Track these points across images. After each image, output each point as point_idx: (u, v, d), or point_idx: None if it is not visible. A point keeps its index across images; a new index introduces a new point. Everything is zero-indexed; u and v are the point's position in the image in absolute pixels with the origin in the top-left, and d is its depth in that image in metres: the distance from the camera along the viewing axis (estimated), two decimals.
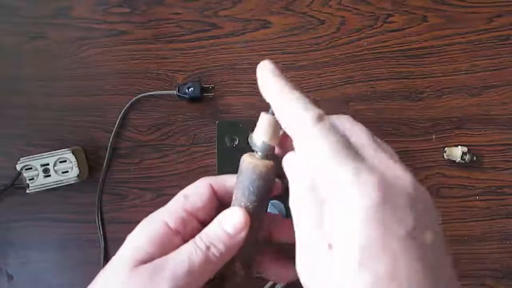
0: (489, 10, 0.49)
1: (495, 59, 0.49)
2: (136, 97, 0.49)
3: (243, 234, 0.23)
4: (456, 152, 0.48)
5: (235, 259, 0.25)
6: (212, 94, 0.49)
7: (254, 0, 0.50)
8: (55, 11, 0.50)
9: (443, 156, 0.49)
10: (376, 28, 0.50)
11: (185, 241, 0.23)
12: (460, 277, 0.49)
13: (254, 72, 0.53)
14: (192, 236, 0.23)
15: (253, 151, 0.24)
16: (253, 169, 0.23)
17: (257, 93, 0.54)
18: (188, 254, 0.22)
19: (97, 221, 0.49)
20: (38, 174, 0.47)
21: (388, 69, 0.50)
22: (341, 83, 0.50)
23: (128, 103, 0.49)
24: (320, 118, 0.20)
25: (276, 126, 0.24)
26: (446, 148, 0.49)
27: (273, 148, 0.24)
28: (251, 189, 0.24)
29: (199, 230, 0.24)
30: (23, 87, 0.50)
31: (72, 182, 0.47)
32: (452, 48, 0.49)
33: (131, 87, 0.50)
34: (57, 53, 0.50)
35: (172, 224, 0.23)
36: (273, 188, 0.25)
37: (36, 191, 0.47)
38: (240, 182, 0.24)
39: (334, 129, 0.20)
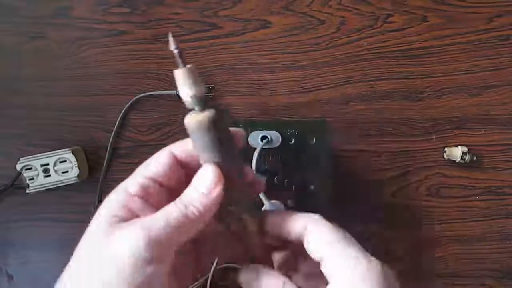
0: (489, 10, 0.49)
1: (495, 59, 0.49)
2: (136, 97, 0.49)
3: (218, 189, 0.24)
4: (456, 152, 0.48)
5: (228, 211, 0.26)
6: (212, 94, 0.49)
7: (254, 0, 0.50)
8: (55, 11, 0.50)
9: (443, 156, 0.49)
10: (376, 28, 0.50)
11: (154, 205, 0.24)
12: (460, 277, 0.49)
13: (254, 72, 0.53)
14: (160, 200, 0.25)
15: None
16: (199, 126, 0.23)
17: (257, 93, 0.54)
18: (165, 211, 0.23)
19: None
20: (38, 174, 0.47)
21: (388, 69, 0.50)
22: (341, 83, 0.50)
23: (128, 103, 0.49)
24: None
25: (194, 74, 0.24)
26: (446, 148, 0.49)
27: (203, 96, 0.24)
28: (209, 145, 0.24)
29: (167, 194, 0.25)
30: (23, 87, 0.50)
31: (72, 182, 0.47)
32: (452, 48, 0.49)
33: (131, 87, 0.50)
34: (57, 53, 0.50)
35: (131, 190, 0.24)
36: (232, 133, 0.25)
37: (36, 191, 0.47)
38: (196, 144, 0.24)
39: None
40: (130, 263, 0.21)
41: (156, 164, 0.25)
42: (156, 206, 0.24)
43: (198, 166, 0.25)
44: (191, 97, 0.24)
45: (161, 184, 0.25)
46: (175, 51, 0.24)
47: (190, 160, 0.26)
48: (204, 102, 0.24)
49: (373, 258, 0.24)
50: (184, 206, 0.23)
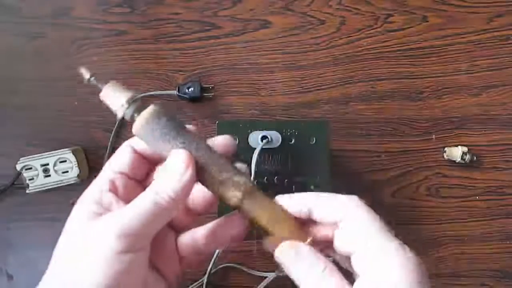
0: (489, 10, 0.49)
1: (495, 59, 0.49)
2: (136, 97, 0.49)
3: (189, 172, 0.23)
4: (456, 152, 0.48)
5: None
6: (212, 94, 0.49)
7: (254, 0, 0.50)
8: (55, 11, 0.50)
9: (443, 156, 0.49)
10: (376, 28, 0.50)
11: (126, 198, 0.24)
12: (460, 277, 0.49)
13: (254, 72, 0.53)
14: (132, 193, 0.25)
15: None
16: (147, 121, 0.24)
17: (257, 93, 0.54)
18: (135, 201, 0.23)
19: None
20: (38, 174, 0.47)
21: (388, 69, 0.50)
22: (341, 83, 0.50)
23: None
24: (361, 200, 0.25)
25: (117, 86, 0.25)
26: (446, 148, 0.49)
27: (137, 99, 0.25)
28: (165, 134, 0.24)
29: (139, 187, 0.26)
30: (23, 87, 0.50)
31: (72, 182, 0.47)
32: (452, 48, 0.50)
33: (131, 87, 0.50)
34: (57, 53, 0.50)
35: (102, 186, 0.25)
36: (180, 120, 0.25)
37: (36, 191, 0.47)
38: (154, 143, 0.24)
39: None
40: (105, 256, 0.21)
41: (119, 158, 0.26)
42: (129, 199, 0.24)
43: (163, 157, 0.25)
44: (127, 102, 0.24)
45: (129, 177, 0.26)
46: (92, 79, 0.25)
47: (151, 152, 0.26)
48: (139, 104, 0.24)
49: (408, 250, 0.23)
50: (154, 193, 0.23)
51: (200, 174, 0.24)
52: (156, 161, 0.26)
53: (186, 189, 0.23)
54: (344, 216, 0.24)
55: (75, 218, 0.24)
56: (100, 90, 0.24)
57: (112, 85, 0.24)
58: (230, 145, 0.27)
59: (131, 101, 0.24)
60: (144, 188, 0.25)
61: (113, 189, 0.25)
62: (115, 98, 0.24)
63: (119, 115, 0.25)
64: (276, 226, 0.25)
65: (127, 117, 0.24)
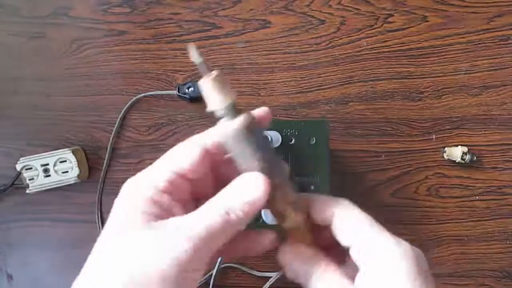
0: (489, 10, 0.49)
1: (495, 59, 0.49)
2: (136, 97, 0.49)
3: (264, 199, 0.23)
4: (456, 152, 0.48)
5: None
6: None
7: (254, 0, 0.50)
8: (55, 11, 0.50)
9: (443, 156, 0.49)
10: (376, 28, 0.50)
11: (179, 199, 0.24)
12: (460, 277, 0.49)
13: (254, 72, 0.53)
14: (184, 193, 0.24)
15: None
16: (241, 133, 0.22)
17: (257, 93, 0.54)
18: (207, 217, 0.22)
19: (97, 221, 0.49)
20: (38, 174, 0.47)
21: (388, 69, 0.50)
22: (341, 83, 0.50)
23: (128, 103, 0.49)
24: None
25: (223, 81, 0.22)
26: (446, 148, 0.49)
27: (235, 102, 0.23)
28: (255, 151, 0.23)
29: (190, 186, 0.24)
30: (23, 87, 0.50)
31: (72, 182, 0.47)
32: (452, 48, 0.49)
33: (131, 87, 0.50)
34: (57, 53, 0.50)
35: (161, 185, 0.23)
36: (266, 137, 0.25)
37: (36, 191, 0.47)
38: (235, 152, 0.23)
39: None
40: (174, 272, 0.20)
41: (186, 160, 0.24)
42: (181, 199, 0.23)
43: (224, 158, 0.24)
44: (228, 104, 0.22)
45: (186, 178, 0.24)
46: (202, 64, 0.22)
47: (217, 152, 0.25)
48: (235, 108, 0.23)
49: (404, 242, 0.24)
50: (225, 212, 0.22)
51: (271, 192, 0.24)
52: (217, 159, 0.25)
53: (256, 210, 0.23)
54: (336, 214, 0.25)
55: (128, 215, 0.22)
56: (203, 76, 0.22)
57: (218, 78, 0.22)
58: (267, 116, 0.27)
59: (232, 105, 0.22)
60: (194, 187, 0.24)
61: (172, 191, 0.23)
62: (218, 94, 0.22)
63: (212, 110, 0.23)
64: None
65: (219, 115, 0.23)
